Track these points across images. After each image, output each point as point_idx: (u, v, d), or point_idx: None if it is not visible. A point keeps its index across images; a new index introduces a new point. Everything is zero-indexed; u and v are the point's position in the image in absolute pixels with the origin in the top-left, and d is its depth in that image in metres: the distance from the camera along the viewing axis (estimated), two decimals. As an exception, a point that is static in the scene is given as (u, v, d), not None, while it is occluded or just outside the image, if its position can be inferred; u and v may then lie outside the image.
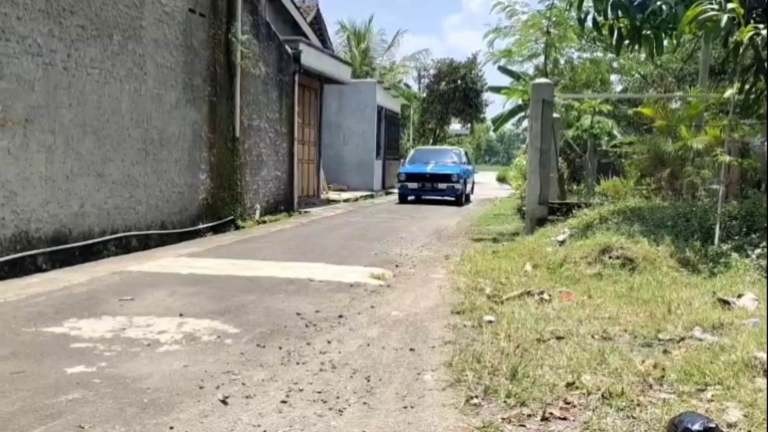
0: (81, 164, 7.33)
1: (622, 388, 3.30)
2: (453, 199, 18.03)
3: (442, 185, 17.95)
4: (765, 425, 2.88)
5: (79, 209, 7.33)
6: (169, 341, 4.25)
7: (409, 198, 18.54)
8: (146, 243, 8.59)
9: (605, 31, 8.22)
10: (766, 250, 6.38)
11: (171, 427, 2.93)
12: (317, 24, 22.66)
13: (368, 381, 3.59)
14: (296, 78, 14.00)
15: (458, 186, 17.88)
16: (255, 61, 11.51)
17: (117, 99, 7.94)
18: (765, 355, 3.62)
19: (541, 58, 14.93)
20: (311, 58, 15.20)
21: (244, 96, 11.34)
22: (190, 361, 3.86)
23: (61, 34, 6.96)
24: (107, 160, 7.79)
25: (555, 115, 10.83)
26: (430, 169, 18.42)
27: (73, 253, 7.21)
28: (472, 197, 20.97)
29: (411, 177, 18.30)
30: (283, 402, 3.26)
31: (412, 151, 21.59)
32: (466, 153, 21.56)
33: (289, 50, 13.74)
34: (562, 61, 16.33)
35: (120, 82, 7.99)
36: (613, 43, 8.22)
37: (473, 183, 21.92)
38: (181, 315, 4.90)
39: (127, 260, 7.45)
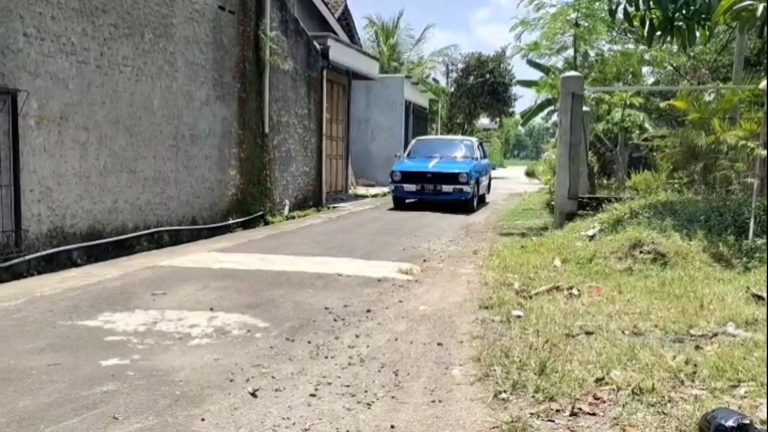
0: (114, 161, 7.46)
1: (653, 384, 3.27)
2: (461, 203, 14.14)
3: (447, 187, 13.94)
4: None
5: (112, 205, 7.46)
6: (200, 335, 4.32)
7: (407, 201, 14.88)
8: (177, 238, 8.71)
9: (636, 23, 8.11)
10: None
11: (202, 419, 2.98)
12: (345, 19, 22.70)
13: (396, 375, 3.61)
14: (324, 74, 14.04)
15: (468, 188, 13.92)
16: (283, 58, 11.57)
17: (148, 96, 8.05)
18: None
19: (571, 51, 14.79)
20: (339, 53, 15.23)
21: (273, 92, 11.41)
22: (220, 355, 3.91)
23: (94, 32, 7.07)
24: (139, 157, 7.91)
25: (585, 108, 10.71)
26: (432, 166, 14.35)
27: (106, 248, 7.34)
28: (488, 197, 17.36)
29: (408, 176, 14.22)
30: (312, 395, 3.29)
31: (412, 142, 16.82)
32: (480, 144, 17.09)
33: (317, 46, 13.79)
34: (592, 54, 16.15)
35: (151, 80, 8.10)
36: (645, 34, 8.10)
37: (489, 180, 17.68)
38: (211, 309, 4.96)
39: (159, 255, 7.56)
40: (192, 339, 4.23)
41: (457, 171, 14.07)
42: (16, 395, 3.21)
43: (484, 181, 16.13)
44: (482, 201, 16.03)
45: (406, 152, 16.07)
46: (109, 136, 7.38)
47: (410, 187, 14.21)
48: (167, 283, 5.87)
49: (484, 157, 16.93)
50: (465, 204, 14.11)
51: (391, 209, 14.25)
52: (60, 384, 3.37)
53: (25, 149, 6.24)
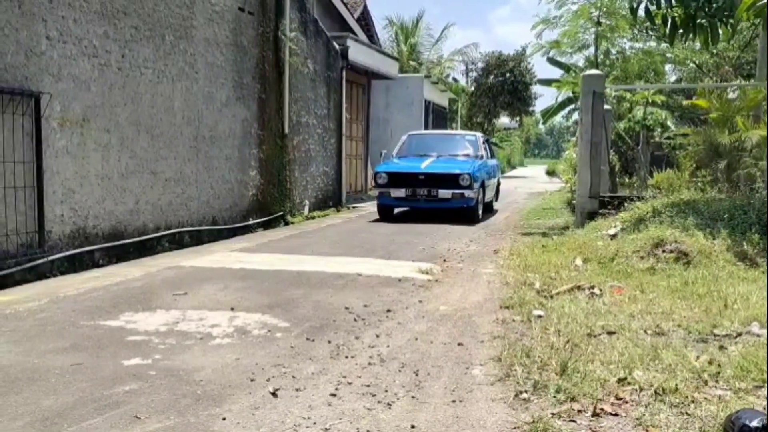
0: (135, 162, 7.52)
1: (676, 385, 3.22)
2: (462, 212, 11.60)
3: (445, 192, 11.30)
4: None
5: (133, 206, 7.53)
6: (221, 335, 4.34)
7: (397, 211, 12.34)
8: (198, 238, 8.77)
9: (658, 21, 8.02)
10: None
11: (223, 419, 2.99)
12: (364, 20, 22.73)
13: (417, 375, 3.60)
14: (344, 74, 14.07)
15: (470, 193, 11.33)
16: (303, 58, 11.61)
17: (169, 97, 8.11)
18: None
19: (592, 49, 14.67)
20: (358, 53, 15.26)
21: (293, 93, 11.45)
22: (241, 354, 3.92)
23: (115, 35, 7.14)
24: (160, 158, 7.97)
25: (606, 106, 10.63)
26: (425, 166, 11.70)
27: (128, 249, 7.41)
28: (497, 204, 14.85)
29: (396, 179, 11.55)
30: (333, 395, 3.29)
31: (404, 137, 13.72)
32: (486, 141, 14.36)
33: (337, 46, 13.82)
34: (613, 52, 16.01)
35: (172, 81, 8.16)
36: (667, 32, 8.02)
37: (498, 184, 14.86)
38: (232, 309, 4.99)
39: (180, 255, 7.61)
40: (213, 339, 4.25)
41: (457, 172, 11.39)
42: (39, 394, 3.24)
43: (491, 185, 13.48)
44: (489, 209, 13.55)
45: (396, 150, 13.27)
46: (131, 137, 7.44)
47: (398, 193, 11.47)
48: (188, 284, 5.91)
49: (491, 156, 14.34)
50: (467, 213, 11.54)
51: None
52: (83, 383, 3.40)
53: (48, 151, 6.32)
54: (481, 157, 12.67)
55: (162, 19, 7.92)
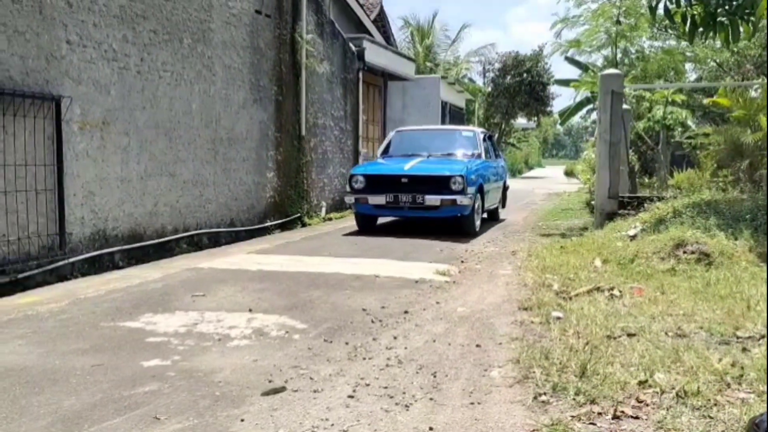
0: (154, 164, 7.58)
1: (698, 387, 3.18)
2: (456, 221, 9.77)
3: (433, 198, 9.36)
4: None
5: (152, 208, 7.58)
6: (239, 336, 4.35)
7: (381, 221, 10.77)
8: (216, 240, 8.82)
9: (678, 19, 7.95)
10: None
11: (242, 420, 2.99)
12: (381, 21, 22.73)
13: (434, 377, 3.58)
14: (360, 75, 14.08)
15: (464, 199, 9.36)
16: (319, 60, 11.64)
17: (187, 100, 8.17)
18: None
19: (611, 49, 14.57)
20: (375, 55, 15.26)
21: (309, 95, 11.49)
22: (259, 356, 3.93)
23: (134, 39, 7.20)
24: (178, 160, 8.03)
25: (625, 106, 10.54)
26: (410, 167, 9.79)
27: (147, 251, 7.46)
28: (503, 213, 12.99)
29: (375, 183, 9.75)
30: (350, 396, 3.28)
31: (391, 134, 12.06)
32: (488, 137, 12.29)
33: (353, 48, 13.84)
34: (632, 51, 15.90)
35: (190, 84, 8.21)
36: (686, 31, 7.93)
37: (505, 189, 12.88)
38: (250, 310, 5.00)
39: (199, 257, 7.66)
40: (231, 340, 4.26)
41: (447, 174, 9.46)
42: (61, 395, 3.27)
43: (495, 189, 11.45)
44: (493, 218, 12.11)
45: (381, 149, 11.60)
46: (150, 140, 7.50)
47: (377, 199, 9.58)
48: (207, 285, 5.94)
49: (496, 155, 12.37)
50: (461, 223, 9.67)
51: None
52: (103, 384, 3.43)
53: (69, 154, 6.38)
54: (479, 155, 10.69)
55: (180, 23, 7.97)
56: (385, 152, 11.22)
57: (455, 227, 9.77)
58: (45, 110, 6.08)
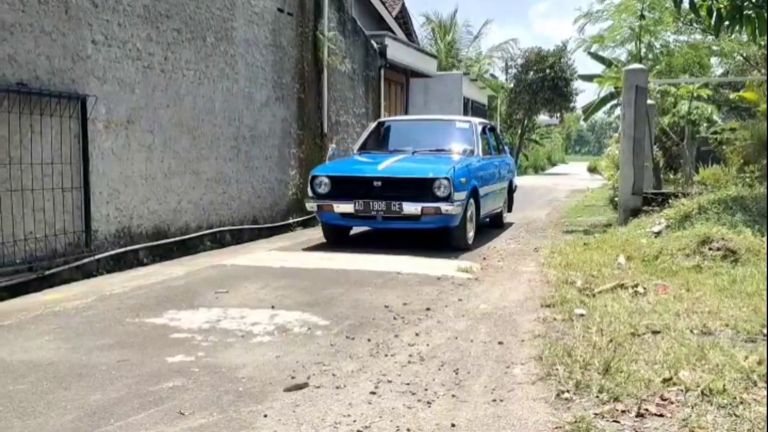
0: (178, 162, 7.65)
1: (724, 385, 3.14)
2: (442, 234, 8.01)
3: (411, 206, 7.57)
4: None
5: (176, 206, 7.66)
6: (262, 332, 4.38)
7: (353, 231, 9.10)
8: (239, 237, 8.88)
9: (703, 12, 7.84)
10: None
11: (265, 416, 3.02)
12: (402, 18, 22.71)
13: (456, 374, 3.58)
14: (382, 72, 14.08)
15: (450, 207, 7.52)
16: (341, 58, 11.66)
17: (210, 98, 8.23)
18: None
19: (635, 44, 14.41)
20: (397, 52, 15.25)
21: (331, 92, 11.51)
22: (282, 352, 3.96)
23: (158, 38, 7.27)
24: (202, 158, 8.09)
25: (649, 101, 10.43)
26: (384, 168, 7.99)
27: (171, 248, 7.54)
28: (510, 217, 11.25)
29: (342, 186, 7.98)
30: (372, 393, 3.29)
31: (371, 126, 10.19)
32: (489, 129, 10.29)
33: (375, 45, 13.84)
34: (657, 46, 15.71)
35: (213, 82, 8.27)
36: (712, 24, 7.82)
37: (511, 190, 11.02)
38: (273, 307, 5.03)
39: (222, 254, 7.72)
40: (254, 336, 4.29)
41: (429, 176, 7.62)
42: (87, 390, 3.32)
43: (496, 192, 9.58)
44: (497, 224, 10.24)
45: (358, 143, 9.68)
46: (173, 138, 7.57)
47: (344, 207, 7.77)
48: (230, 282, 5.98)
49: (499, 150, 10.52)
50: (448, 235, 7.92)
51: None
52: (128, 379, 3.48)
53: (94, 152, 6.46)
54: (472, 152, 8.80)
55: (203, 22, 8.03)
56: (363, 147, 9.32)
57: (444, 239, 8.04)
58: (71, 109, 6.17)
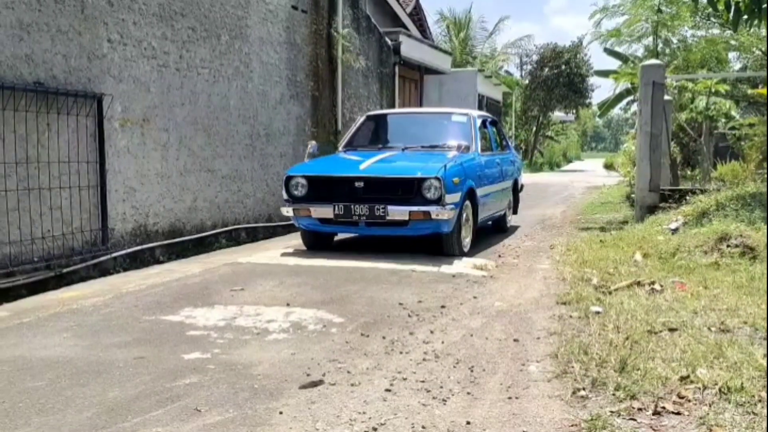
0: (193, 160, 7.69)
1: (742, 383, 3.11)
2: (434, 240, 7.14)
3: (398, 210, 6.74)
4: None
5: (191, 204, 7.70)
6: (277, 330, 4.39)
7: (338, 237, 8.11)
8: (254, 235, 8.91)
9: (721, 7, 7.76)
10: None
11: (280, 412, 3.03)
12: (416, 14, 22.67)
13: (471, 371, 3.57)
14: (396, 69, 14.07)
15: (441, 211, 6.67)
16: (356, 55, 11.66)
17: (225, 96, 8.26)
18: None
19: (651, 39, 14.31)
20: (411, 49, 15.23)
21: (346, 89, 11.52)
22: (297, 349, 3.97)
23: (173, 36, 7.30)
24: (217, 156, 8.13)
25: (666, 97, 10.34)
26: (367, 167, 7.11)
27: (187, 246, 7.58)
28: (516, 219, 10.18)
29: (320, 188, 7.12)
30: (388, 390, 3.29)
31: (360, 120, 9.02)
32: (489, 123, 9.22)
33: (389, 42, 13.83)
34: (674, 41, 15.58)
35: (228, 81, 8.30)
36: (730, 19, 7.74)
37: (516, 190, 10.07)
38: (288, 305, 5.04)
39: (237, 252, 7.74)
40: (269, 334, 4.31)
41: (417, 176, 6.77)
42: (105, 387, 3.35)
43: (499, 193, 8.78)
44: (500, 229, 9.34)
45: (345, 140, 8.69)
46: (189, 136, 7.61)
47: (323, 211, 6.95)
48: (245, 280, 6.00)
49: (502, 146, 9.56)
50: (441, 242, 7.05)
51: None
52: (145, 376, 3.50)
53: (110, 151, 6.51)
54: (468, 148, 7.78)
55: (218, 20, 8.06)
56: (350, 144, 8.38)
57: (434, 247, 7.15)
58: (87, 108, 6.21)
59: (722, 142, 14.60)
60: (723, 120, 14.24)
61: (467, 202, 7.24)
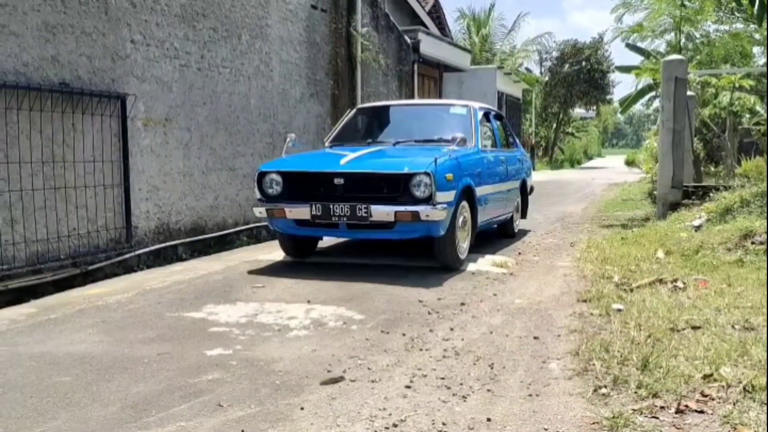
0: (214, 159, 7.76)
1: (767, 381, 3.08)
2: (423, 239, 6.19)
3: (382, 210, 5.84)
4: None
5: (213, 202, 7.77)
6: (298, 326, 4.43)
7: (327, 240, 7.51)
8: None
9: (745, 1, 7.67)
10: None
11: (301, 408, 3.05)
12: (436, 12, 22.63)
13: (492, 368, 3.57)
14: (415, 67, 14.05)
15: (432, 211, 5.76)
16: (375, 53, 11.67)
17: (246, 96, 8.32)
18: None
19: (674, 34, 14.16)
20: (430, 46, 15.21)
21: (365, 88, 11.53)
22: (317, 346, 3.99)
23: (195, 36, 7.37)
24: (238, 155, 8.19)
25: (689, 93, 10.23)
26: (348, 162, 6.21)
27: (209, 243, 7.65)
28: (525, 223, 9.38)
29: (296, 185, 6.28)
30: (408, 387, 3.30)
31: (349, 113, 8.21)
32: (492, 116, 8.43)
33: (408, 40, 13.82)
34: (697, 36, 15.40)
35: (248, 80, 8.36)
36: (755, 13, 7.65)
37: (526, 190, 9.17)
38: (308, 301, 5.08)
39: (258, 249, 7.80)
40: (290, 330, 4.34)
41: (405, 171, 5.93)
42: (129, 382, 3.40)
43: (504, 194, 7.91)
44: (507, 232, 8.57)
45: (333, 134, 7.84)
46: (210, 135, 7.68)
47: (298, 211, 6.14)
48: (266, 277, 6.04)
49: (508, 143, 8.81)
50: (435, 247, 6.28)
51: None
52: (169, 372, 3.55)
53: (134, 150, 6.59)
54: (465, 142, 6.81)
55: (238, 20, 8.12)
56: (338, 139, 7.61)
57: (427, 252, 6.48)
58: (111, 108, 6.29)
59: (747, 137, 14.43)
60: (747, 115, 14.06)
61: (464, 203, 6.44)
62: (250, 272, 6.29)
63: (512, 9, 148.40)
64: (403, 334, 4.23)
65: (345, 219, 5.99)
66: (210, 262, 7.00)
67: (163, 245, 6.97)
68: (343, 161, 6.24)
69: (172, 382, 3.40)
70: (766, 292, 4.63)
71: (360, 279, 5.93)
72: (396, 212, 5.84)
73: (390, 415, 2.98)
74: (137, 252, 6.62)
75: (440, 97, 17.55)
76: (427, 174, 5.79)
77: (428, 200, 5.80)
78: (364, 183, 6.04)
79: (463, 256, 6.51)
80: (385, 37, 12.48)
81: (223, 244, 7.89)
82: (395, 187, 5.97)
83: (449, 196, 6.02)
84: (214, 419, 2.94)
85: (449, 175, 6.04)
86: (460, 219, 6.36)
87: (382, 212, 5.86)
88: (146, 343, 4.07)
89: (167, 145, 7.04)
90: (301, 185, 6.26)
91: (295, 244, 6.79)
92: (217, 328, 4.39)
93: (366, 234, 6.28)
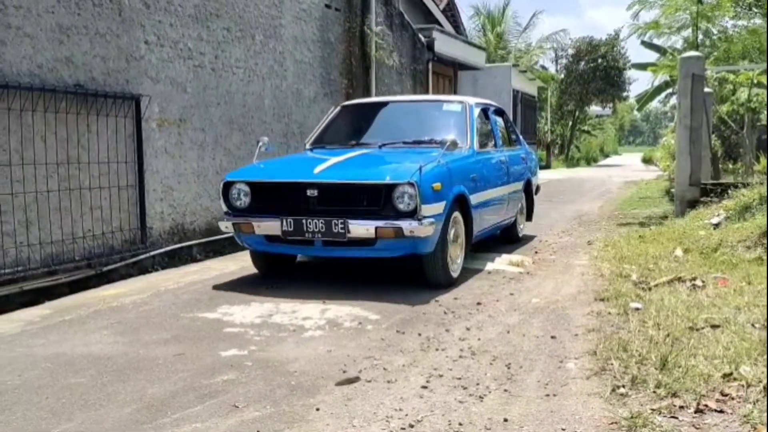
0: (229, 159, 7.77)
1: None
2: (407, 259, 5.43)
3: (361, 225, 5.12)
4: None
5: (228, 202, 7.77)
6: (313, 327, 4.41)
7: (297, 256, 6.49)
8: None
9: (763, -5, 7.56)
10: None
11: (317, 409, 3.04)
12: (450, 10, 22.55)
13: (509, 368, 3.54)
14: (430, 66, 14.01)
15: (416, 226, 5.02)
16: (389, 52, 11.65)
17: (260, 96, 8.33)
18: None
19: (690, 30, 14.02)
20: (444, 45, 15.16)
21: (379, 87, 11.51)
22: (333, 346, 3.98)
23: (208, 37, 7.39)
24: (252, 155, 8.18)
25: (707, 89, 10.11)
26: (323, 170, 5.44)
27: (223, 244, 7.65)
28: (531, 228, 8.74)
29: (265, 196, 5.57)
30: (424, 387, 3.28)
31: (334, 111, 7.38)
32: (491, 112, 7.55)
33: (423, 39, 13.78)
34: (714, 32, 15.24)
35: (262, 80, 8.37)
36: (773, 7, 7.54)
37: (531, 191, 8.49)
38: (323, 301, 5.06)
39: (273, 249, 7.79)
40: (305, 331, 4.33)
41: (386, 181, 5.20)
42: (145, 383, 3.40)
43: (504, 200, 7.20)
44: (512, 237, 7.93)
45: (313, 136, 7.17)
46: (224, 135, 7.69)
47: (268, 226, 5.46)
48: (280, 277, 6.03)
49: (511, 141, 8.11)
50: (422, 266, 5.54)
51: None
52: (184, 373, 3.54)
53: (148, 151, 6.61)
54: (455, 144, 5.92)
55: (252, 20, 8.13)
56: (320, 141, 6.94)
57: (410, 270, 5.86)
58: (125, 109, 6.32)
59: (765, 134, 14.22)
60: (766, 112, 13.87)
61: (456, 214, 5.74)
62: (265, 272, 6.28)
63: (527, 6, 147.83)
64: (419, 334, 4.20)
65: (320, 235, 5.29)
66: (224, 262, 7.01)
67: (177, 246, 6.99)
68: (317, 169, 5.50)
69: (187, 383, 3.40)
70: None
71: (375, 278, 5.91)
72: (377, 228, 5.12)
73: (406, 415, 2.95)
74: (152, 253, 6.64)
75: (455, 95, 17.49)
76: (410, 184, 5.09)
77: (413, 214, 5.11)
78: (341, 194, 5.34)
79: (455, 275, 5.77)
80: (399, 35, 12.46)
81: (238, 244, 7.87)
82: (376, 199, 5.25)
83: (437, 208, 5.30)
84: (229, 420, 2.93)
85: (437, 185, 5.30)
86: (452, 232, 5.69)
87: (360, 228, 5.16)
88: (161, 344, 4.07)
89: (182, 146, 7.06)
90: (270, 197, 5.57)
91: (266, 263, 6.13)
92: (232, 329, 4.39)
93: (344, 252, 5.52)
